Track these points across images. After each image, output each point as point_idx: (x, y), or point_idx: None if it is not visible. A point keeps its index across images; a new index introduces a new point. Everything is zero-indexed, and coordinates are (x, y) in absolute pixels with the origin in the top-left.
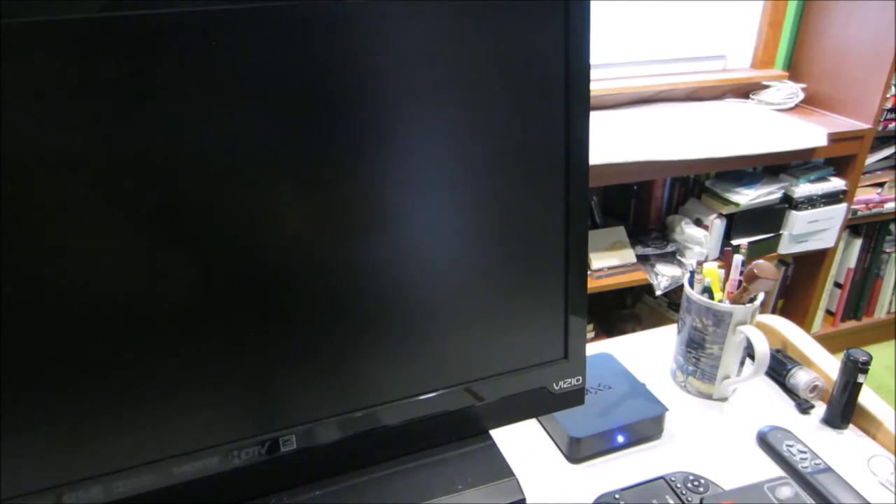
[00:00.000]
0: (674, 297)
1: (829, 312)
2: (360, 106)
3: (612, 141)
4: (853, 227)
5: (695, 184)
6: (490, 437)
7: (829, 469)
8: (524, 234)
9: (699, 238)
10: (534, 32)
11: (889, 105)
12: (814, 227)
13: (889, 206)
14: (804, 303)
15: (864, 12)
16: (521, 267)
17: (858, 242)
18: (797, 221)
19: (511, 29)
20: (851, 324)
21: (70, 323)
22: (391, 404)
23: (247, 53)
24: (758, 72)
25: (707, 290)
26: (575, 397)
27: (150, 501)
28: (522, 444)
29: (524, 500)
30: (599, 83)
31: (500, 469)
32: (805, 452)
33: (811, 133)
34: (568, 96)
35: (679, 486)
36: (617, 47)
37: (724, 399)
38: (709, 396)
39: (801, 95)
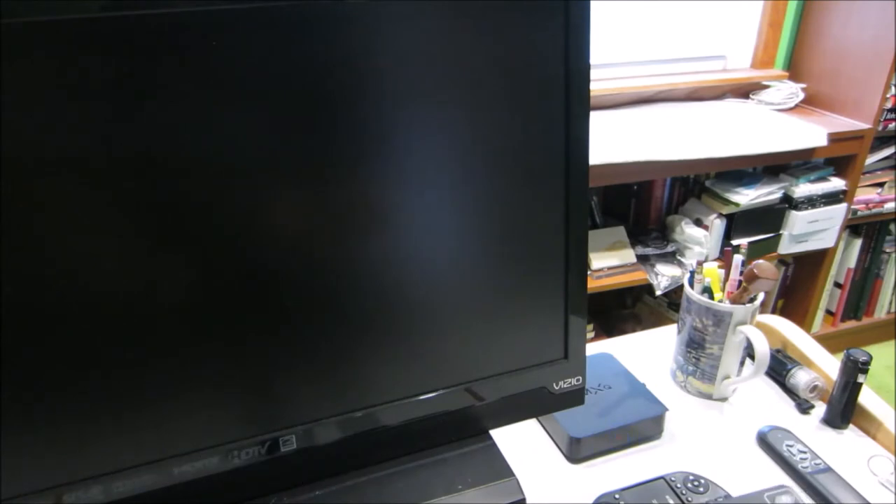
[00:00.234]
0: (674, 297)
1: (829, 312)
2: (360, 106)
3: (612, 141)
4: (853, 227)
5: (695, 184)
6: (490, 437)
7: (829, 469)
8: (524, 234)
9: (699, 238)
10: (534, 32)
11: (889, 105)
12: (814, 227)
13: (889, 206)
14: (804, 303)
15: (864, 12)
16: (521, 267)
17: (858, 242)
18: (797, 221)
19: (511, 29)
20: (851, 324)
21: (70, 323)
22: (391, 404)
23: (247, 53)
24: (758, 72)
25: (707, 290)
26: (575, 397)
27: (150, 501)
28: (522, 444)
29: (524, 500)
30: (599, 83)
31: (500, 469)
32: (805, 452)
33: (811, 133)
34: (568, 96)
35: (679, 486)
36: (617, 47)
37: (724, 399)
38: (709, 396)
39: (801, 95)
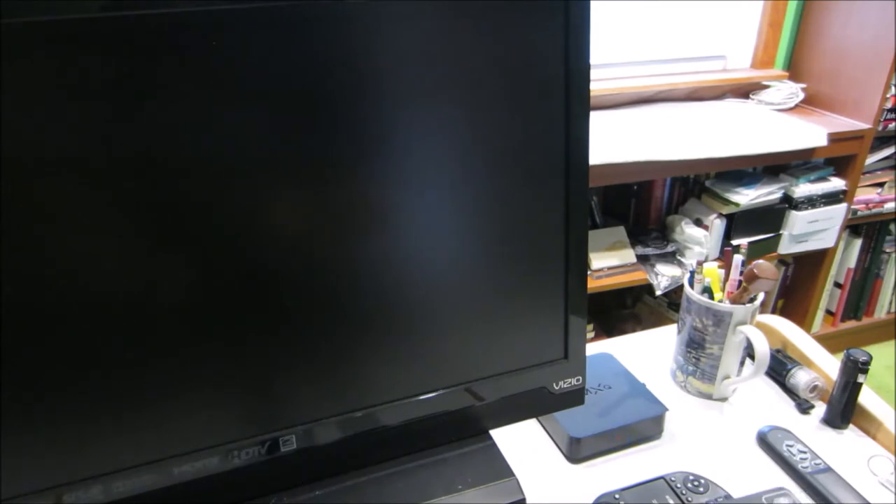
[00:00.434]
0: (674, 297)
1: (829, 312)
2: (360, 106)
3: (612, 141)
4: (853, 227)
5: (695, 184)
6: (490, 437)
7: (829, 469)
8: (524, 234)
9: (699, 238)
10: (534, 32)
11: (889, 105)
12: (814, 227)
13: (889, 206)
14: (804, 303)
15: (864, 12)
16: (521, 267)
17: (858, 242)
18: (797, 221)
19: (511, 29)
20: (851, 324)
21: (70, 323)
22: (391, 404)
23: (247, 53)
24: (758, 72)
25: (707, 290)
26: (575, 397)
27: (150, 501)
28: (522, 444)
29: (524, 500)
30: (599, 83)
31: (500, 469)
32: (805, 452)
33: (811, 133)
34: (568, 96)
35: (679, 486)
36: (617, 47)
37: (724, 399)
38: (709, 396)
39: (801, 95)
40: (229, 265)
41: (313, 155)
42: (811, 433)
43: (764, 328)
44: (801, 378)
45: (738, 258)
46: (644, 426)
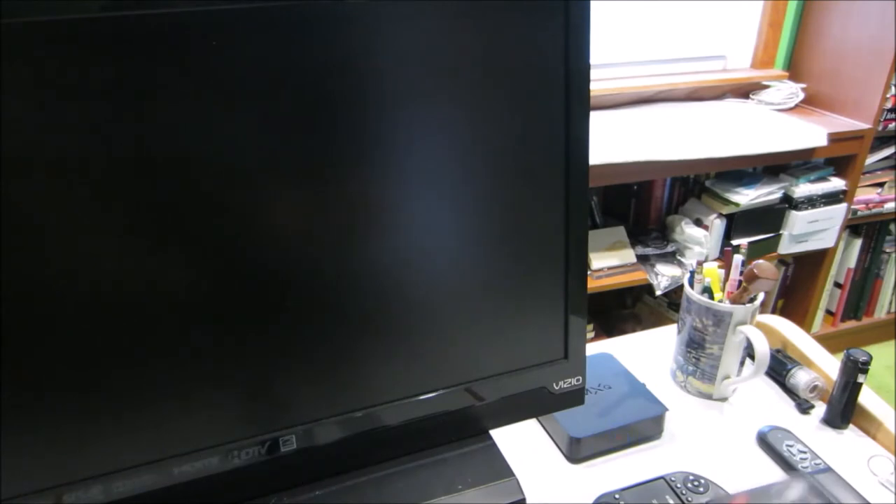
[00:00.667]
0: (674, 297)
1: (829, 312)
2: (359, 106)
3: (612, 141)
4: (853, 227)
5: (695, 184)
6: (490, 437)
7: (829, 469)
8: (524, 234)
9: (699, 238)
10: (534, 32)
11: (889, 105)
12: (814, 227)
13: (889, 206)
14: (804, 303)
15: (864, 12)
16: (521, 267)
17: (858, 242)
18: (797, 221)
19: (511, 29)
20: (851, 324)
21: (70, 323)
22: (391, 404)
23: (247, 53)
24: (758, 72)
25: (707, 290)
26: (575, 397)
27: (150, 501)
28: (522, 444)
29: (524, 500)
30: (599, 83)
31: (500, 469)
32: (805, 452)
33: (811, 133)
34: (568, 96)
35: (679, 486)
36: (617, 47)
37: (724, 399)
38: (709, 396)
39: (801, 95)
40: (229, 265)
41: (313, 155)
42: (811, 433)
43: (764, 328)
44: (801, 378)
45: (738, 258)
46: (644, 426)
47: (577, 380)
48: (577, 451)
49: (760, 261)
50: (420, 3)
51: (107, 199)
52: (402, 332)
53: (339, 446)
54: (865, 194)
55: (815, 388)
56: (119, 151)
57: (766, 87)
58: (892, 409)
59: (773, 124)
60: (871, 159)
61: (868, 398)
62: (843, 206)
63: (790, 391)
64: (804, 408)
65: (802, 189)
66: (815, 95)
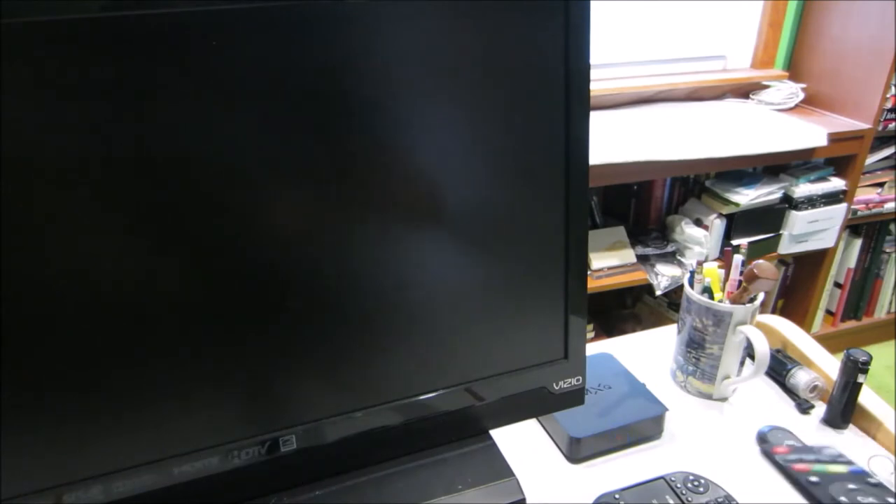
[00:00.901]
0: (674, 297)
1: (829, 312)
2: (359, 106)
3: (612, 141)
4: (853, 227)
5: (695, 184)
6: (490, 437)
7: None
8: (524, 234)
9: (699, 238)
10: (534, 32)
11: (889, 105)
12: (814, 227)
13: (889, 206)
14: (804, 303)
15: (864, 12)
16: (521, 267)
17: (858, 242)
18: (797, 221)
19: (511, 29)
20: (851, 324)
21: (70, 323)
22: (391, 404)
23: (247, 53)
24: (758, 72)
25: (707, 290)
26: (575, 397)
27: (150, 501)
28: (522, 444)
29: (524, 500)
30: (599, 83)
31: (500, 469)
32: None
33: (811, 133)
34: (568, 96)
35: (679, 486)
36: (617, 47)
37: (724, 399)
38: (709, 396)
39: (801, 95)
40: (229, 265)
41: (313, 155)
42: (811, 433)
43: (764, 328)
44: (801, 378)
45: (738, 258)
46: (644, 426)
47: (577, 380)
48: (577, 451)
49: (760, 261)
50: (420, 3)
51: (106, 198)
52: (401, 332)
53: (339, 446)
54: (865, 194)
55: (815, 388)
56: (119, 151)
57: (766, 87)
58: (892, 409)
59: (773, 124)
60: (871, 159)
61: (868, 398)
62: (843, 206)
63: (790, 391)
64: (804, 408)
65: (802, 189)
66: (815, 95)
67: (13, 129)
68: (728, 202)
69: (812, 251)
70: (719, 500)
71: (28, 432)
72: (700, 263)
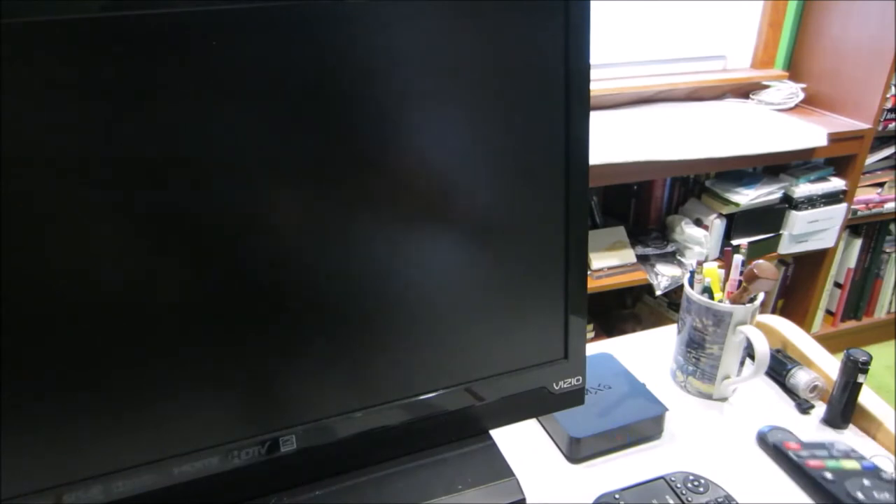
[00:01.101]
0: (674, 297)
1: (829, 312)
2: (359, 106)
3: (612, 141)
4: (853, 227)
5: (695, 184)
6: (490, 437)
7: None
8: (524, 234)
9: (699, 238)
10: (534, 32)
11: (889, 105)
12: (814, 227)
13: (889, 206)
14: (804, 303)
15: (864, 12)
16: (521, 267)
17: (858, 242)
18: (797, 221)
19: (511, 29)
20: (851, 324)
21: (70, 323)
22: (391, 404)
23: (247, 53)
24: (758, 72)
25: (707, 290)
26: (575, 397)
27: (150, 501)
28: (522, 444)
29: (524, 500)
30: (599, 83)
31: (500, 469)
32: None
33: (811, 133)
34: (568, 96)
35: (679, 486)
36: (617, 47)
37: (724, 399)
38: (709, 396)
39: (801, 95)
40: (229, 265)
41: (313, 155)
42: (811, 433)
43: (764, 328)
44: (801, 378)
45: (738, 258)
46: (644, 426)
47: (577, 380)
48: (577, 451)
49: (760, 261)
50: (420, 3)
51: (107, 198)
52: (401, 332)
53: (340, 446)
54: (865, 194)
55: (815, 388)
56: (119, 151)
57: (766, 87)
58: (892, 409)
59: (773, 124)
60: (871, 159)
61: (868, 398)
62: (843, 206)
63: (790, 391)
64: (804, 408)
65: (802, 189)
66: (815, 95)
67: (13, 129)
68: (728, 202)
69: (812, 251)
70: (719, 500)
71: (28, 432)
72: (700, 263)
